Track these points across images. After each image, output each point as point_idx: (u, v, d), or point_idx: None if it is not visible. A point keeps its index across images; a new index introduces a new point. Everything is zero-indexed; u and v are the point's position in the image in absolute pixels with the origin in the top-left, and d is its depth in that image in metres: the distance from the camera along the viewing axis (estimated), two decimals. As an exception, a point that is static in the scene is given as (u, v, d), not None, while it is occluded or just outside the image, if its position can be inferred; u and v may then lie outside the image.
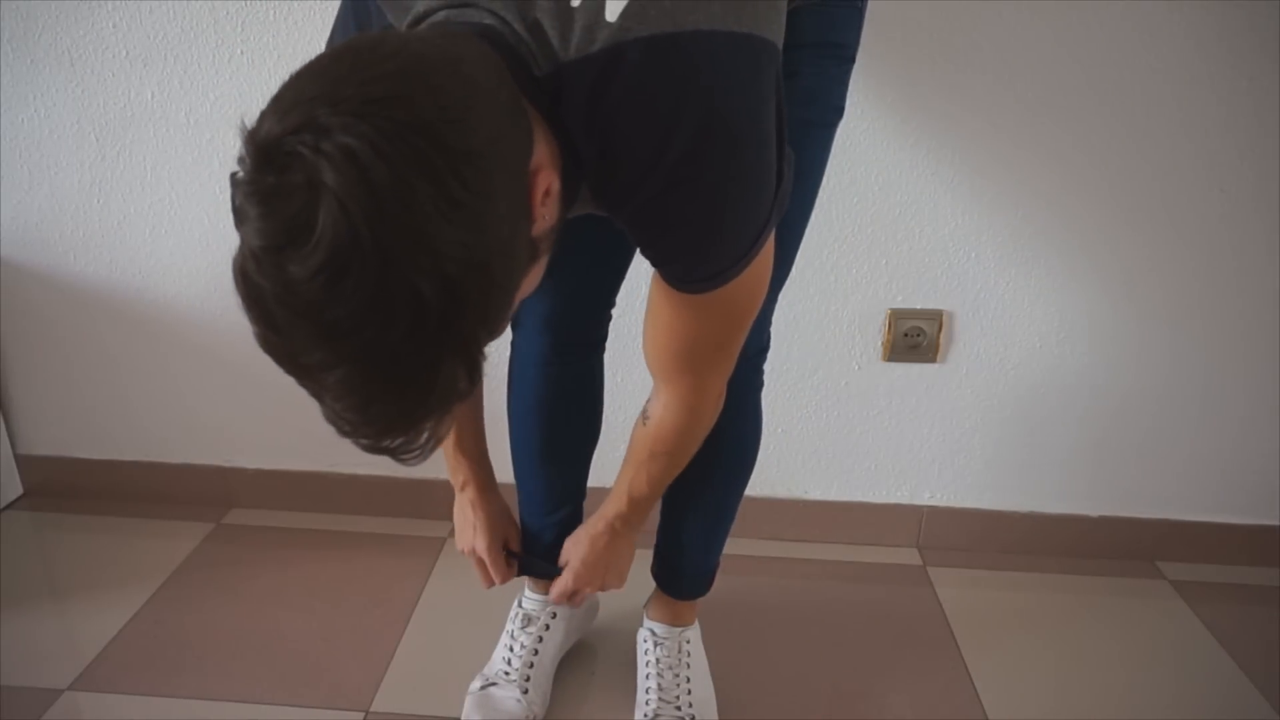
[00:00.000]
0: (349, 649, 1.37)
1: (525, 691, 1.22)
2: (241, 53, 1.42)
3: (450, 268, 0.56)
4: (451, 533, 1.65)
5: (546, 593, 1.27)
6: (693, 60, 0.69)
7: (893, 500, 1.64)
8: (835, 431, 1.60)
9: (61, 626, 1.42)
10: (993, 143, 1.40)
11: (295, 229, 0.53)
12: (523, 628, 1.27)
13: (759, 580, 1.56)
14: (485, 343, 0.62)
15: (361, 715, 1.25)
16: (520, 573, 1.24)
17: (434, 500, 1.66)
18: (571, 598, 1.15)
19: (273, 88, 0.59)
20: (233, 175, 0.56)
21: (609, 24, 0.67)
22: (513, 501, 1.22)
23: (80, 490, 1.72)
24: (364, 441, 0.62)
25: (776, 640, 1.42)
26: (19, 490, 1.74)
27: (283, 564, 1.56)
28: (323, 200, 0.53)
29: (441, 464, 1.62)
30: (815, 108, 0.96)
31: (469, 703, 1.22)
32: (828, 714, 1.28)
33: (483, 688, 1.23)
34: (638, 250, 0.83)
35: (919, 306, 1.51)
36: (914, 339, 1.52)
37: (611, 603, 1.41)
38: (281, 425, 1.62)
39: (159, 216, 1.53)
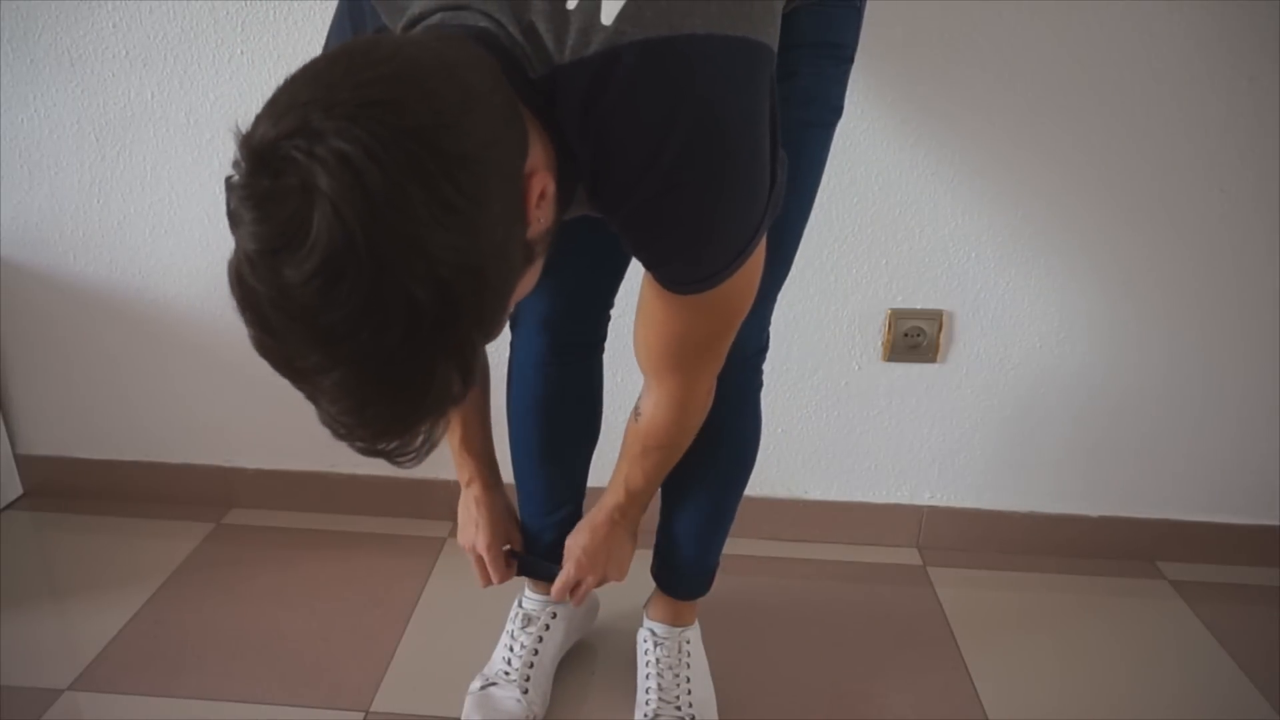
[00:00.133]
0: (349, 649, 1.37)
1: (525, 691, 1.22)
2: (241, 53, 1.42)
3: (444, 272, 0.56)
4: (452, 532, 1.66)
5: (546, 593, 1.27)
6: (688, 64, 0.69)
7: (893, 500, 1.64)
8: (835, 431, 1.60)
9: (61, 626, 1.42)
10: (993, 143, 1.40)
11: (290, 233, 0.53)
12: (523, 628, 1.27)
13: (759, 580, 1.56)
14: (480, 346, 0.62)
15: (361, 715, 1.25)
16: (520, 572, 1.24)
17: (434, 500, 1.67)
18: (573, 591, 1.15)
19: (273, 88, 0.59)
20: (228, 179, 0.57)
21: (604, 27, 0.67)
22: (514, 501, 1.23)
23: (80, 490, 1.72)
24: (360, 444, 0.62)
25: (776, 640, 1.42)
26: (19, 490, 1.74)
27: (283, 564, 1.56)
28: (317, 204, 0.53)
29: (441, 464, 1.63)
30: (814, 108, 0.96)
31: (469, 703, 1.22)
32: (828, 714, 1.28)
33: (483, 688, 1.23)
34: None
35: (919, 306, 1.51)
36: (914, 339, 1.52)
37: (611, 603, 1.41)
38: (281, 425, 1.62)
39: (159, 216, 1.53)
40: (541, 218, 0.68)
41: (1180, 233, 1.44)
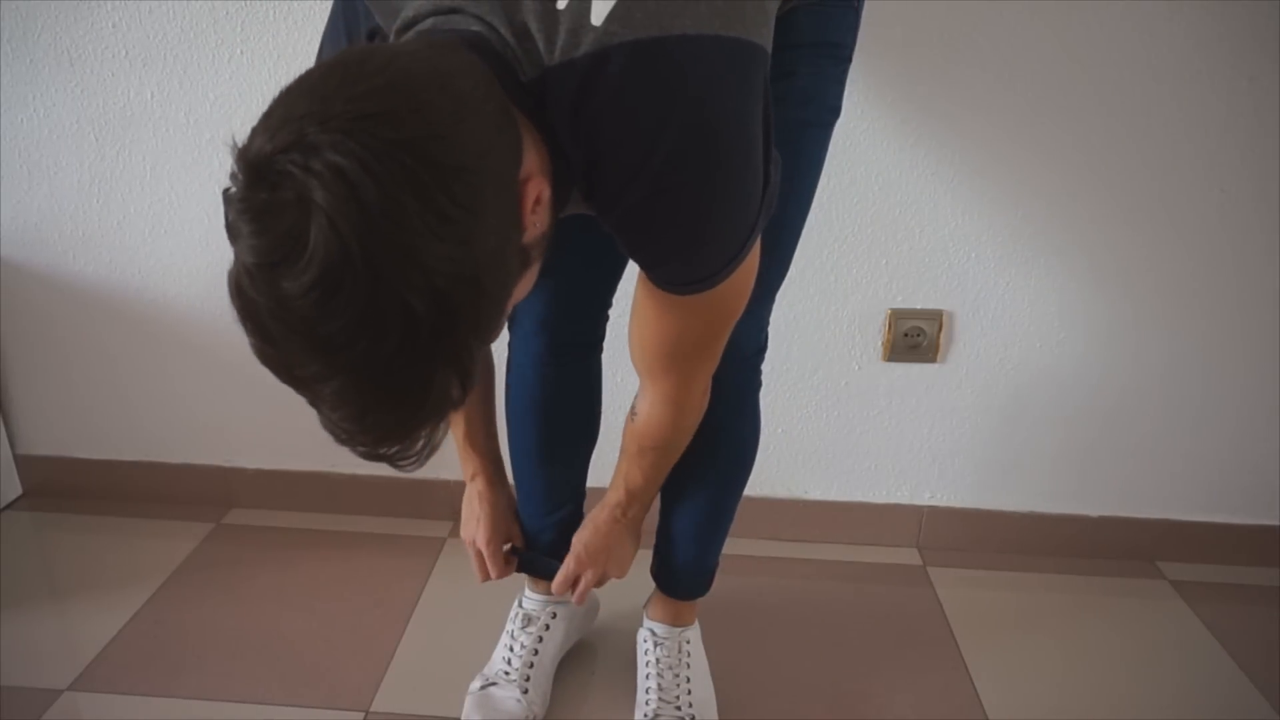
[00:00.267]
0: (349, 649, 1.37)
1: (525, 691, 1.22)
2: (241, 53, 1.42)
3: (440, 282, 0.57)
4: (452, 532, 1.66)
5: (547, 593, 1.27)
6: (679, 65, 0.69)
7: (893, 500, 1.64)
8: (835, 431, 1.60)
9: (61, 626, 1.42)
10: (993, 143, 1.40)
11: (287, 246, 0.54)
12: (523, 628, 1.27)
13: (759, 580, 1.56)
14: (478, 351, 0.63)
15: (361, 715, 1.25)
16: (520, 569, 1.25)
17: (434, 500, 1.67)
18: (574, 587, 1.15)
19: (273, 88, 0.59)
20: (225, 192, 0.57)
21: (594, 27, 0.67)
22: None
23: (80, 490, 1.72)
24: (361, 450, 0.63)
25: (776, 640, 1.42)
26: (19, 490, 1.74)
27: (283, 564, 1.56)
28: (313, 218, 0.54)
29: (441, 464, 1.62)
30: (812, 108, 0.96)
31: (469, 703, 1.22)
32: (828, 714, 1.28)
33: (483, 688, 1.23)
34: None
35: (919, 306, 1.51)
36: (914, 339, 1.52)
37: (611, 603, 1.41)
38: (281, 425, 1.62)
39: (159, 216, 1.53)
40: (537, 222, 0.68)
41: (1180, 233, 1.44)
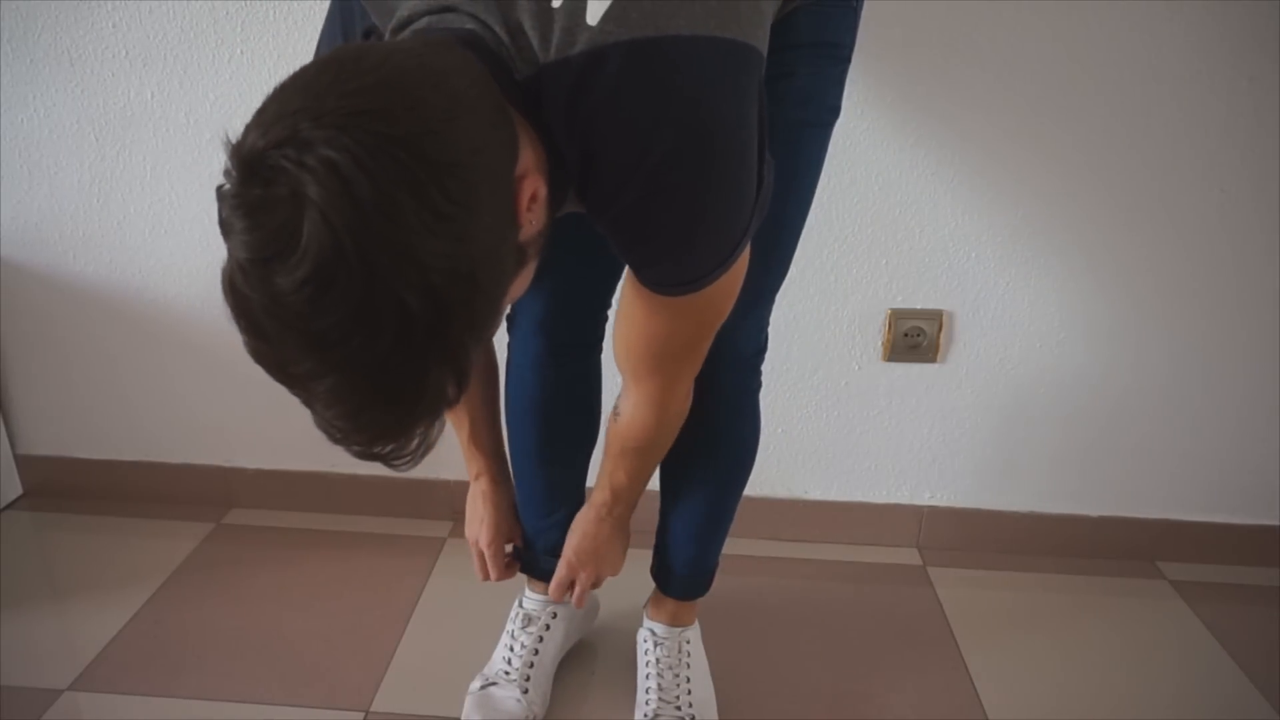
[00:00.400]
0: (349, 649, 1.37)
1: (525, 691, 1.22)
2: (241, 53, 1.42)
3: (435, 279, 0.56)
4: (452, 532, 1.66)
5: (547, 593, 1.27)
6: (674, 66, 0.69)
7: (893, 500, 1.64)
8: (835, 431, 1.60)
9: (61, 626, 1.42)
10: (993, 143, 1.40)
11: (280, 241, 0.54)
12: (523, 627, 1.27)
13: (759, 580, 1.56)
14: (473, 349, 0.62)
15: (361, 715, 1.25)
16: (523, 570, 1.25)
17: (434, 500, 1.67)
18: (570, 590, 1.15)
19: (272, 88, 0.59)
20: (219, 188, 0.57)
21: (590, 26, 0.67)
22: (515, 501, 1.23)
23: (80, 490, 1.72)
24: (355, 448, 0.62)
25: (776, 640, 1.42)
26: (19, 490, 1.74)
27: (283, 564, 1.56)
28: (307, 213, 0.53)
29: (441, 464, 1.64)
30: (811, 108, 0.96)
31: (469, 703, 1.22)
32: (828, 714, 1.28)
33: (483, 688, 1.23)
34: None
35: (919, 306, 1.51)
36: (914, 339, 1.52)
37: (611, 603, 1.41)
38: (281, 425, 1.62)
39: (159, 216, 1.53)
40: (533, 220, 0.68)
41: (1180, 233, 1.44)
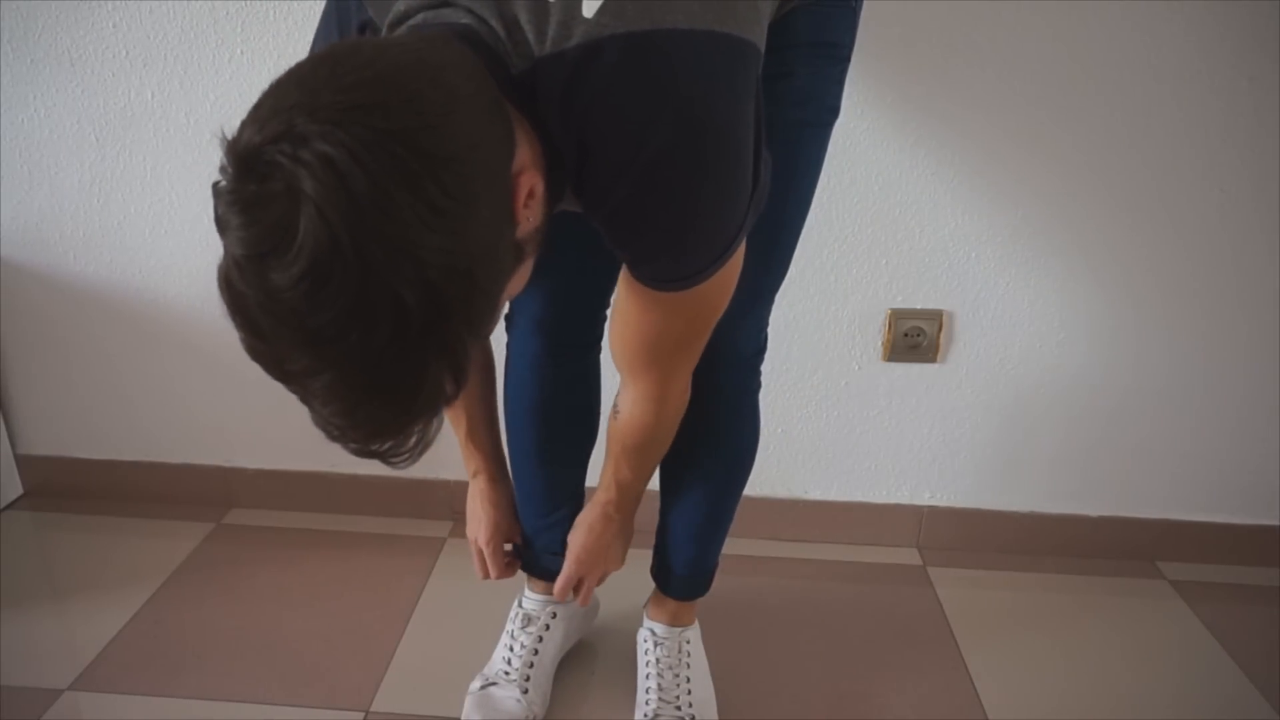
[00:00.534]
0: (349, 649, 1.37)
1: (525, 691, 1.22)
2: (241, 53, 1.42)
3: (432, 274, 0.56)
4: (452, 532, 1.66)
5: (546, 593, 1.27)
6: (670, 59, 0.69)
7: (893, 500, 1.64)
8: (835, 431, 1.60)
9: (61, 626, 1.42)
10: (993, 143, 1.40)
11: (276, 237, 0.54)
12: (523, 627, 1.27)
13: (759, 580, 1.56)
14: (471, 346, 0.62)
15: (361, 715, 1.25)
16: (524, 568, 1.25)
17: (434, 500, 1.67)
18: (576, 590, 1.16)
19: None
20: (215, 185, 0.57)
21: (585, 19, 0.67)
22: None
23: (80, 490, 1.72)
24: (353, 446, 0.62)
25: (776, 640, 1.42)
26: (19, 490, 1.74)
27: (283, 564, 1.56)
28: (302, 208, 0.53)
29: (441, 464, 1.64)
30: (811, 107, 0.96)
31: (469, 703, 1.22)
32: (828, 714, 1.28)
33: (483, 688, 1.23)
34: None
35: (919, 306, 1.51)
36: (914, 339, 1.52)
37: (611, 603, 1.41)
38: (281, 425, 1.62)
39: (159, 216, 1.53)
40: (530, 217, 0.68)
41: (1180, 233, 1.44)
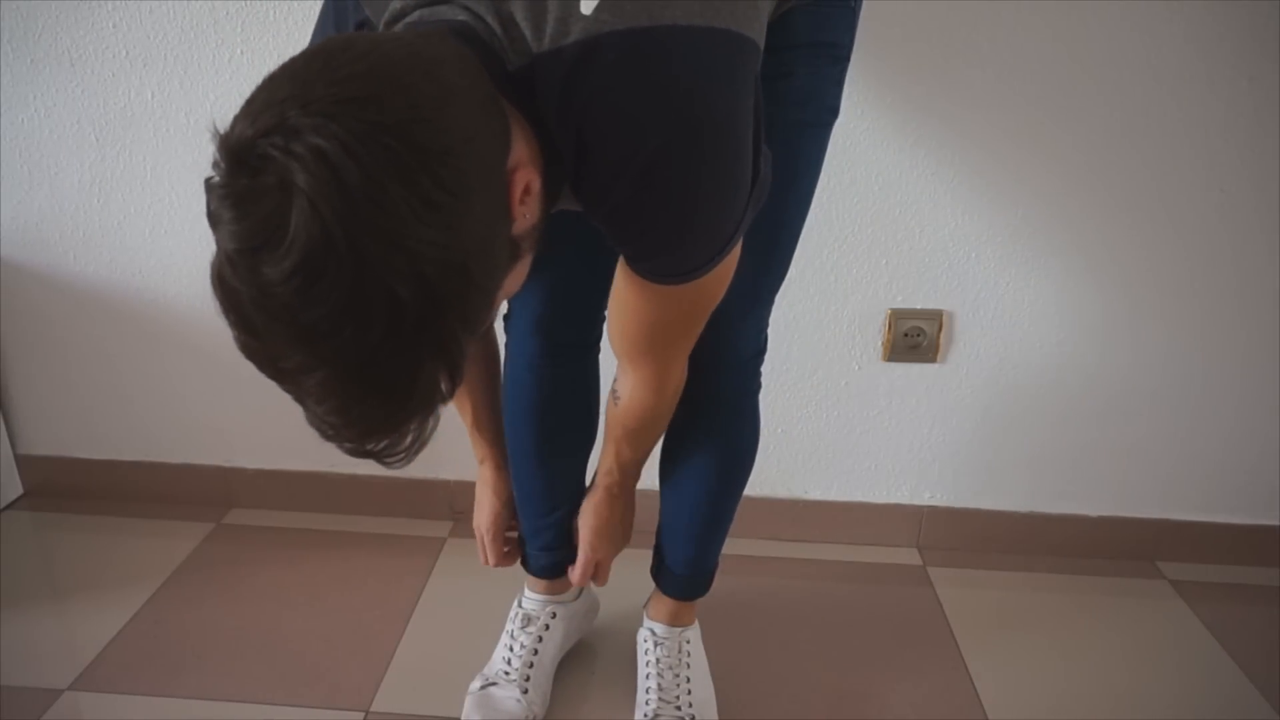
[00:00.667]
0: (349, 649, 1.37)
1: (525, 691, 1.22)
2: (241, 53, 1.42)
3: (426, 269, 0.56)
4: (452, 532, 1.66)
5: (546, 593, 1.28)
6: (668, 57, 0.68)
7: (893, 500, 1.64)
8: (835, 431, 1.60)
9: (61, 626, 1.42)
10: (993, 143, 1.40)
11: (268, 231, 0.53)
12: (522, 627, 1.27)
13: (759, 580, 1.56)
14: (466, 342, 0.61)
15: (361, 715, 1.25)
16: (522, 565, 1.25)
17: (434, 500, 1.67)
18: (595, 572, 1.17)
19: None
20: (207, 180, 0.56)
21: (584, 16, 0.67)
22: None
23: (80, 490, 1.72)
24: (348, 445, 0.61)
25: (776, 640, 1.42)
26: (19, 490, 1.74)
27: (283, 564, 1.56)
28: (295, 202, 0.53)
29: (441, 464, 1.64)
30: (810, 107, 0.96)
31: (469, 703, 1.22)
32: (828, 714, 1.28)
33: (483, 688, 1.23)
34: None
35: (919, 306, 1.51)
36: (914, 339, 1.52)
37: (611, 603, 1.41)
38: (281, 425, 1.62)
39: (159, 216, 1.53)
40: (527, 214, 0.67)
41: (1180, 233, 1.44)
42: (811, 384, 1.57)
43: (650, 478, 1.16)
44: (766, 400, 1.14)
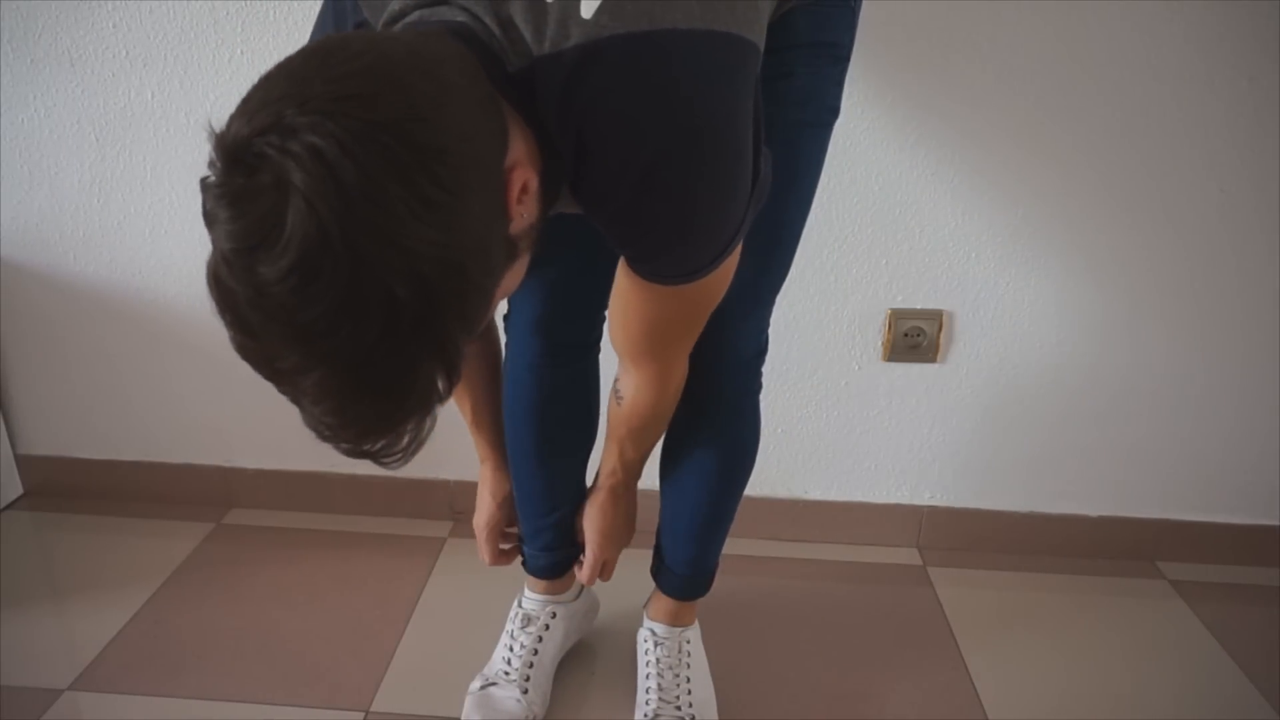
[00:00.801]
0: (349, 649, 1.37)
1: (525, 691, 1.22)
2: (241, 53, 1.42)
3: (424, 267, 0.56)
4: (452, 532, 1.66)
5: (546, 593, 1.28)
6: (668, 61, 0.68)
7: (893, 500, 1.64)
8: (835, 431, 1.60)
9: (61, 626, 1.42)
10: (993, 143, 1.40)
11: (264, 230, 0.53)
12: (522, 627, 1.27)
13: (759, 580, 1.56)
14: (463, 342, 0.61)
15: (361, 715, 1.25)
16: (522, 565, 1.25)
17: (434, 500, 1.67)
18: (602, 571, 1.18)
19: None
20: (203, 180, 0.56)
21: (584, 20, 0.67)
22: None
23: (80, 490, 1.72)
24: (344, 446, 0.61)
25: (776, 640, 1.42)
26: (19, 490, 1.74)
27: (283, 564, 1.56)
28: (291, 201, 0.52)
29: (441, 464, 1.64)
30: (810, 108, 0.96)
31: (469, 703, 1.22)
32: (828, 714, 1.28)
33: (483, 688, 1.23)
34: None
35: (919, 306, 1.51)
36: (914, 339, 1.52)
37: (611, 603, 1.41)
38: (281, 425, 1.61)
39: (159, 216, 1.53)
40: (524, 213, 0.67)
41: (1180, 233, 1.44)
42: (811, 384, 1.57)
43: (650, 477, 1.16)
44: (767, 400, 1.14)
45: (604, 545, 1.16)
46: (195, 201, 1.58)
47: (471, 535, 1.25)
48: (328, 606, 1.46)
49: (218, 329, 0.59)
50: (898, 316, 1.51)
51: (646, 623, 1.28)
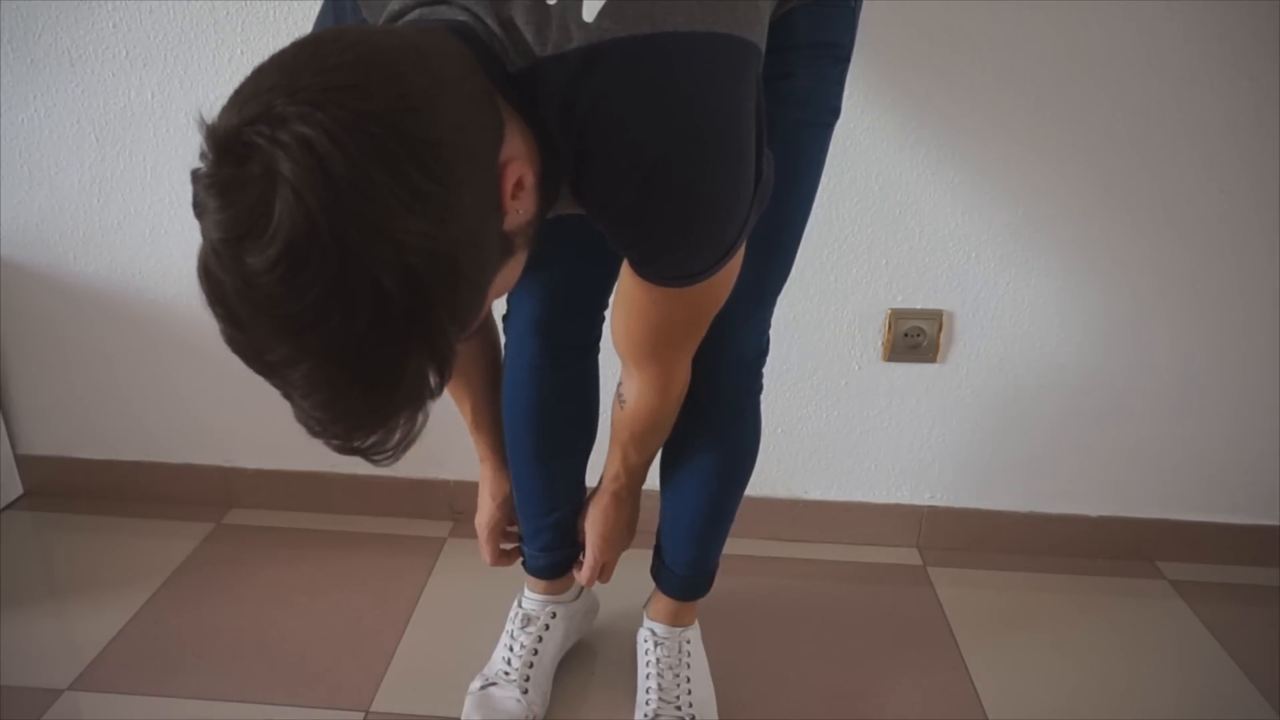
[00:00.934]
0: (349, 649, 1.37)
1: (525, 691, 1.22)
2: (241, 53, 1.42)
3: (413, 259, 0.55)
4: (452, 532, 1.66)
5: (546, 593, 1.28)
6: (670, 64, 0.68)
7: (893, 500, 1.64)
8: (835, 431, 1.60)
9: (61, 626, 1.42)
10: (993, 142, 1.40)
11: (252, 219, 0.53)
12: (522, 628, 1.27)
13: (759, 580, 1.56)
14: (455, 338, 0.61)
15: (361, 715, 1.25)
16: (523, 566, 1.25)
17: (434, 500, 1.67)
18: (601, 573, 1.18)
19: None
20: (194, 170, 0.56)
21: (586, 23, 0.67)
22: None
23: (80, 490, 1.72)
24: (335, 441, 0.61)
25: (776, 640, 1.42)
26: (19, 490, 1.74)
27: (283, 564, 1.56)
28: (279, 190, 0.52)
29: (441, 464, 1.64)
30: (811, 108, 0.96)
31: (469, 703, 1.22)
32: (828, 714, 1.28)
33: (483, 688, 1.23)
34: None
35: (919, 306, 1.51)
36: (914, 339, 1.52)
37: (611, 603, 1.41)
38: (281, 425, 1.60)
39: (159, 216, 1.53)
40: (520, 209, 0.67)
41: (1180, 232, 1.44)
42: (811, 384, 1.57)
43: (651, 478, 1.16)
44: (766, 400, 1.14)
45: (604, 548, 1.16)
46: (195, 201, 1.55)
47: (472, 535, 1.26)
48: (328, 606, 1.46)
49: (217, 328, 0.59)
50: (898, 316, 1.51)
51: (646, 623, 1.28)
